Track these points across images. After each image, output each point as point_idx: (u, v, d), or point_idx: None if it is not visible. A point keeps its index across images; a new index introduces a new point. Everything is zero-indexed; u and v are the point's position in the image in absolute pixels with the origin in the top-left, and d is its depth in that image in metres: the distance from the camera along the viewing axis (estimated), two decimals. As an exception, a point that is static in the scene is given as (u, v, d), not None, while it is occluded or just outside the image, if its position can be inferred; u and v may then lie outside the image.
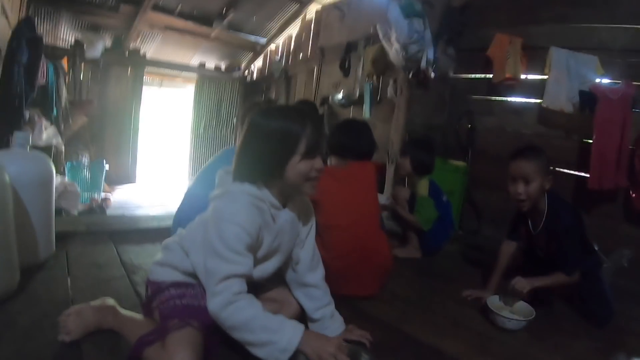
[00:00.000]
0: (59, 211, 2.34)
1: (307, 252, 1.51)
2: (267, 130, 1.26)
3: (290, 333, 1.22)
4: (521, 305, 1.88)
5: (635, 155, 2.57)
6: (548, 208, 1.92)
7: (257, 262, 1.33)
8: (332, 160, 2.03)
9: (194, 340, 1.22)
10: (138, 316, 1.43)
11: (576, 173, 2.85)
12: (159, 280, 1.38)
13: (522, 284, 1.80)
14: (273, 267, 1.42)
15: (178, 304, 1.30)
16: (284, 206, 1.37)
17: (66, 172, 3.55)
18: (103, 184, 4.07)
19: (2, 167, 1.60)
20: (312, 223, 1.53)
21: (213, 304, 1.20)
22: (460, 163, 3.29)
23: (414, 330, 1.70)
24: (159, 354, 1.20)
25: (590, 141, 2.69)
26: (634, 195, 2.60)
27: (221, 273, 1.20)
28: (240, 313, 1.20)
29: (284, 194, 1.35)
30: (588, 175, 2.68)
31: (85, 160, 4.17)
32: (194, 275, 1.36)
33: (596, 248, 2.06)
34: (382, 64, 3.80)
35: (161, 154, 5.68)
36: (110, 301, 1.49)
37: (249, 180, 1.29)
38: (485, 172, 3.27)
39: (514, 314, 1.83)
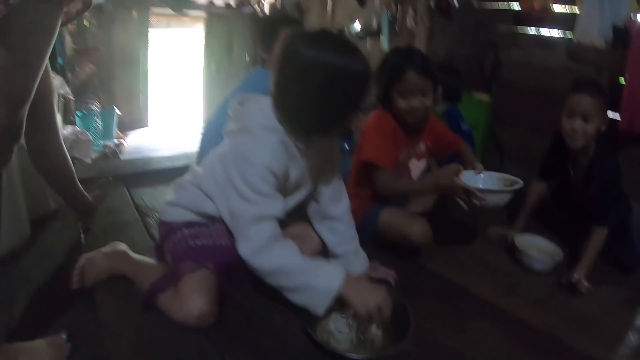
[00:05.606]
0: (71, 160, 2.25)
1: (331, 183, 1.41)
2: (333, 74, 1.07)
3: (331, 275, 1.12)
4: (548, 244, 1.82)
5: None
6: (595, 152, 1.78)
7: (283, 197, 1.24)
8: None
9: (208, 283, 1.17)
10: (150, 261, 1.39)
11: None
12: (171, 221, 1.31)
13: (584, 285, 1.59)
14: (296, 201, 1.33)
15: (191, 245, 1.24)
16: (310, 143, 1.25)
17: (77, 121, 3.50)
18: (115, 130, 4.02)
19: None
20: (338, 153, 1.44)
21: (245, 250, 1.12)
22: (483, 96, 3.12)
23: (439, 268, 1.67)
24: (173, 301, 1.16)
25: (623, 80, 2.49)
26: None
27: (249, 216, 1.11)
28: (275, 258, 1.11)
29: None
30: (619, 117, 2.50)
31: (95, 108, 4.09)
32: (209, 216, 1.28)
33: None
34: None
35: (173, 96, 5.58)
36: (122, 246, 1.44)
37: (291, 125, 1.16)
38: (510, 107, 3.10)
39: (541, 253, 1.77)
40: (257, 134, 1.15)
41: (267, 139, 1.14)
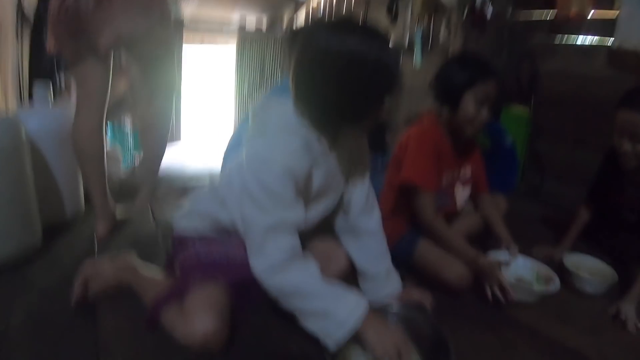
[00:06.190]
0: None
1: (361, 192, 1.28)
2: (356, 60, 0.96)
3: (352, 305, 1.01)
4: (600, 264, 1.68)
5: None
6: None
7: (306, 204, 1.13)
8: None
9: (218, 301, 1.05)
10: (159, 275, 1.29)
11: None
12: (184, 235, 1.22)
13: (631, 322, 1.42)
14: (322, 212, 1.21)
15: (203, 260, 1.13)
16: (336, 141, 1.14)
17: (108, 133, 3.55)
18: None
19: (18, 123, 1.54)
20: (368, 162, 1.31)
21: (258, 266, 1.02)
22: (521, 110, 2.98)
23: (480, 292, 1.55)
24: (177, 318, 1.05)
25: None
26: None
27: (264, 225, 1.01)
28: (292, 278, 1.01)
29: (339, 130, 1.13)
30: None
31: (127, 126, 4.16)
32: (224, 228, 1.18)
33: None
34: (433, 5, 3.49)
35: (206, 112, 5.66)
36: (132, 256, 1.36)
37: (314, 121, 1.06)
38: (549, 120, 2.96)
39: (593, 275, 1.63)
40: (276, 136, 1.06)
41: (287, 140, 1.04)
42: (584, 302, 1.57)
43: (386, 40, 1.03)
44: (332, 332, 0.99)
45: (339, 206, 1.29)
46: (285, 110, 1.08)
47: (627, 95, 1.56)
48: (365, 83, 0.98)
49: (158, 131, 2.15)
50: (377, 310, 1.09)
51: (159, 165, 2.23)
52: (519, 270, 1.60)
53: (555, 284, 1.49)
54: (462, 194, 1.73)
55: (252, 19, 6.55)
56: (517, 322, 1.42)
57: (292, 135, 1.05)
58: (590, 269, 1.68)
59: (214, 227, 1.21)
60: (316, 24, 1.05)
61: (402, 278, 1.38)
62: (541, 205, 2.64)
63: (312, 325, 1.02)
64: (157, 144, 2.18)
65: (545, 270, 1.58)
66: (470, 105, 1.51)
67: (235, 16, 6.36)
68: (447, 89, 1.56)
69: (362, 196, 1.29)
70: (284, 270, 1.01)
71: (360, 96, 1.00)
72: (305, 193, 1.10)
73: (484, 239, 1.76)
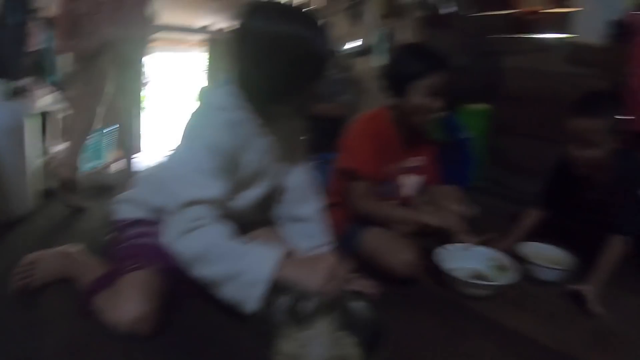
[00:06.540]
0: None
1: (298, 178, 1.28)
2: (288, 42, 1.00)
3: (261, 257, 0.96)
4: (558, 252, 1.63)
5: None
6: (617, 169, 1.56)
7: (237, 189, 1.12)
8: None
9: (149, 284, 1.03)
10: (98, 263, 1.26)
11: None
12: (120, 219, 1.21)
13: (592, 303, 1.39)
14: (256, 195, 1.20)
15: (136, 243, 1.12)
16: (269, 123, 1.14)
17: None
18: (109, 150, 4.02)
19: None
20: (304, 148, 1.32)
21: (168, 235, 0.99)
22: (482, 106, 2.98)
23: (430, 280, 1.50)
24: (108, 302, 1.04)
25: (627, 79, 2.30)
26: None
27: (182, 198, 0.98)
28: (198, 240, 0.96)
29: (273, 111, 1.13)
30: (629, 117, 2.33)
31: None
32: (159, 210, 1.15)
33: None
34: (393, 6, 3.50)
35: (173, 119, 5.58)
36: (76, 247, 1.33)
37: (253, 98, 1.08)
38: (511, 115, 2.97)
39: (551, 263, 1.57)
40: (205, 113, 1.08)
41: (213, 117, 1.06)
42: (541, 290, 1.52)
43: (316, 26, 1.05)
44: (248, 292, 0.94)
45: (277, 193, 1.29)
46: (220, 92, 1.11)
47: (577, 102, 1.54)
48: (292, 64, 1.01)
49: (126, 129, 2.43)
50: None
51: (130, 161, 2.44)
52: (476, 262, 1.55)
53: (513, 274, 1.44)
54: (409, 184, 1.67)
55: (222, 25, 6.49)
56: (471, 311, 1.36)
57: (220, 112, 1.06)
58: (548, 257, 1.62)
59: (150, 212, 1.19)
60: (252, 7, 1.05)
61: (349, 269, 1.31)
62: (503, 199, 2.62)
63: (226, 292, 0.97)
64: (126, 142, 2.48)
65: (502, 260, 1.52)
66: (417, 95, 1.48)
67: (202, 22, 6.30)
68: (395, 79, 1.54)
69: (299, 182, 1.29)
70: (188, 236, 0.98)
71: (287, 76, 1.03)
72: (233, 173, 1.09)
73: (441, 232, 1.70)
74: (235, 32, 1.04)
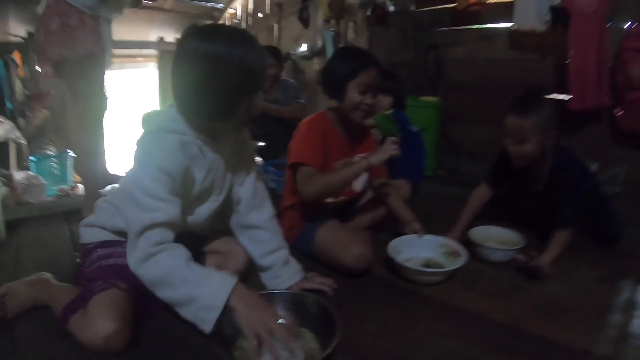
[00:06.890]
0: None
1: (248, 188, 1.32)
2: (221, 62, 1.04)
3: (217, 286, 1.03)
4: (507, 232, 1.72)
5: (618, 72, 2.36)
6: (553, 164, 1.67)
7: (191, 205, 1.17)
8: None
9: (118, 303, 1.07)
10: (69, 286, 1.29)
11: (556, 97, 2.58)
12: (87, 242, 1.25)
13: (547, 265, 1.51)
14: (210, 209, 1.24)
15: (104, 265, 1.16)
16: (214, 139, 1.18)
17: (30, 166, 3.41)
18: (72, 173, 3.95)
19: None
20: (253, 158, 1.36)
21: (131, 260, 1.04)
22: (431, 98, 3.09)
23: (383, 271, 1.56)
24: (81, 323, 1.07)
25: (568, 61, 2.47)
26: (619, 113, 2.40)
27: (140, 223, 1.03)
28: (159, 265, 1.02)
29: (214, 127, 1.17)
30: (568, 97, 2.48)
31: (51, 152, 4.00)
32: (122, 232, 1.19)
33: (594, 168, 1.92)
34: (339, 7, 3.56)
35: (130, 136, 5.44)
36: (46, 275, 1.34)
37: (191, 117, 1.12)
38: (458, 105, 3.09)
39: (501, 244, 1.66)
40: (152, 136, 1.11)
41: (162, 139, 1.09)
42: (492, 270, 1.60)
43: (251, 44, 1.08)
44: (203, 316, 1.02)
45: (230, 203, 1.33)
46: (165, 114, 1.15)
47: (513, 101, 1.64)
48: (226, 83, 1.05)
49: (94, 157, 2.29)
50: (264, 295, 1.15)
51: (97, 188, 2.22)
52: (428, 250, 1.62)
53: (463, 258, 1.51)
54: (357, 179, 1.73)
55: (171, 39, 6.42)
56: (426, 297, 1.43)
57: (167, 136, 1.09)
58: (499, 238, 1.72)
59: (113, 231, 1.23)
60: (188, 30, 1.09)
61: (308, 269, 1.40)
62: (458, 186, 2.70)
63: (185, 312, 1.04)
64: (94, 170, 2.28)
65: (452, 245, 1.61)
66: (354, 94, 1.57)
67: (152, 37, 6.21)
68: (332, 82, 1.63)
69: (249, 192, 1.33)
70: (150, 261, 1.04)
71: (223, 95, 1.06)
72: (185, 191, 1.14)
73: (393, 224, 1.78)
74: (173, 55, 1.08)
